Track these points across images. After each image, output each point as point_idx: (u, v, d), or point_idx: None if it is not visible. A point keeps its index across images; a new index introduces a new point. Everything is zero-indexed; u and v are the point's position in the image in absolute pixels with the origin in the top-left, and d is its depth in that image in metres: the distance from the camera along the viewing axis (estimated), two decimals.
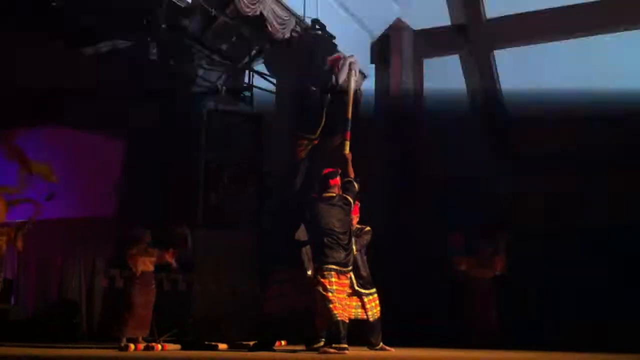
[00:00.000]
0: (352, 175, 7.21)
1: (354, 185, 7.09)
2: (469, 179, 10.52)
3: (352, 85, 7.85)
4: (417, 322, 9.78)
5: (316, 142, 7.82)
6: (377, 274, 7.26)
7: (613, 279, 9.69)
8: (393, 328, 7.61)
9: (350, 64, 8.01)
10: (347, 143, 7.44)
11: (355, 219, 7.17)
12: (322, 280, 6.54)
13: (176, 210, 8.62)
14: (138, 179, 9.37)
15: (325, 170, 7.10)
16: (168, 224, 8.25)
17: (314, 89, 7.98)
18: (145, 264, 7.61)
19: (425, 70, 10.99)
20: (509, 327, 9.42)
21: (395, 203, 10.48)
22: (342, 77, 7.94)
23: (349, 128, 7.51)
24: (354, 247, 6.88)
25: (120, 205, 9.63)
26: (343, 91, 7.81)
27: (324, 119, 7.78)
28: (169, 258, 7.70)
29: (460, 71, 10.82)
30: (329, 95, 7.94)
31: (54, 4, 7.44)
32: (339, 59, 8.21)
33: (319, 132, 7.74)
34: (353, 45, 9.39)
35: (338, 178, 7.05)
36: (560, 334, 9.56)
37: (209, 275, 8.63)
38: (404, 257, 10.10)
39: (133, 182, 9.47)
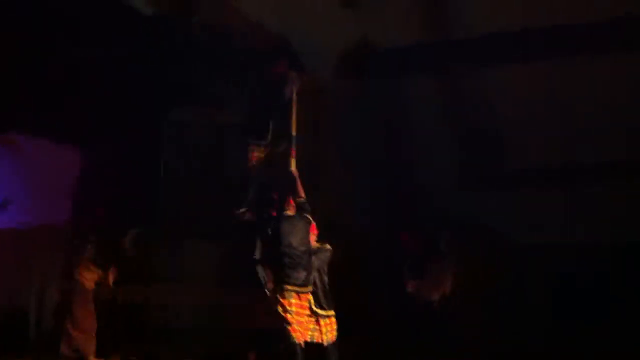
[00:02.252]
0: (302, 193, 7.19)
1: (308, 205, 7.08)
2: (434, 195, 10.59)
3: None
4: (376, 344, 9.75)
5: (265, 150, 7.75)
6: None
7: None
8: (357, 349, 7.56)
9: (292, 79, 7.94)
10: (293, 160, 7.46)
11: (313, 237, 7.12)
12: (282, 300, 6.53)
13: (135, 221, 8.49)
14: (94, 188, 9.24)
15: (276, 195, 7.11)
16: (117, 236, 8.17)
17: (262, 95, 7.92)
18: (87, 280, 7.58)
19: (394, 88, 10.95)
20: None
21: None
22: (287, 92, 7.90)
23: (294, 145, 7.50)
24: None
25: (75, 214, 9.48)
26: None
27: (271, 126, 7.70)
28: (109, 279, 7.65)
29: (431, 89, 10.84)
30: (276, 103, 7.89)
31: None
32: (283, 70, 8.13)
33: (269, 137, 7.66)
34: (318, 61, 9.35)
35: (291, 199, 7.05)
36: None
37: (168, 287, 8.52)
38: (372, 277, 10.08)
39: (89, 191, 9.34)
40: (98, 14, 8.10)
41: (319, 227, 7.24)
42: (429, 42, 10.23)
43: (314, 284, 6.91)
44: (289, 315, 6.50)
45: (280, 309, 6.53)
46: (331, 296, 7.14)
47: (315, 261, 6.97)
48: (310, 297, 6.83)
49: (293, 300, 6.57)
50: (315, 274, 6.95)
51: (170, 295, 8.56)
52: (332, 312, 7.04)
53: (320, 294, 7.01)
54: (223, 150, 9.80)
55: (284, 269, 6.63)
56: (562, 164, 10.98)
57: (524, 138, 10.75)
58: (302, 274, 6.67)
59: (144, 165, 9.46)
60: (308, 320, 6.80)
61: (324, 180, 9.84)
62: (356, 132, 11.05)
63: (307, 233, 6.89)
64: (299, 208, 7.00)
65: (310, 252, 6.87)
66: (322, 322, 6.93)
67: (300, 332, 6.55)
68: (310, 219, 6.99)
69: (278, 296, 6.60)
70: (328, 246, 7.27)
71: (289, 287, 6.59)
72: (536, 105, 10.46)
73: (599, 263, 10.45)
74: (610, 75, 9.74)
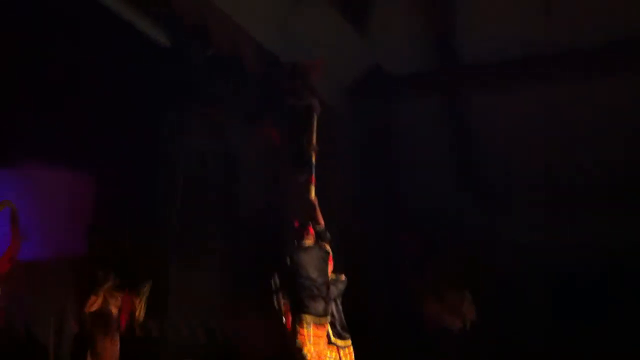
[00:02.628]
0: (321, 221, 7.20)
1: (327, 234, 7.10)
2: (440, 217, 10.64)
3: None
4: None
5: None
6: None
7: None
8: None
9: (311, 107, 7.92)
10: (312, 187, 7.42)
11: (330, 267, 7.13)
12: (300, 329, 6.57)
13: (148, 250, 8.48)
14: (110, 218, 9.19)
15: (297, 223, 7.10)
16: (136, 265, 8.17)
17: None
18: (109, 307, 7.55)
19: (400, 114, 10.98)
20: None
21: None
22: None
23: (314, 172, 7.50)
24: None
25: (92, 245, 9.42)
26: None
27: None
28: (137, 311, 7.65)
29: (436, 115, 10.86)
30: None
31: None
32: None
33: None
34: (328, 88, 9.32)
35: (311, 227, 7.06)
36: None
37: (182, 318, 8.55)
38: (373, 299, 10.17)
39: (105, 222, 9.28)
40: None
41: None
42: (433, 59, 10.31)
43: (332, 315, 6.97)
44: (308, 345, 6.52)
45: (298, 339, 6.55)
46: (346, 326, 7.19)
47: (333, 291, 7.02)
48: (329, 327, 6.90)
49: (312, 330, 6.60)
50: (331, 305, 7.00)
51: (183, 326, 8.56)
52: (349, 342, 7.13)
53: (338, 324, 7.07)
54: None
55: (302, 299, 6.65)
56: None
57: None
58: (321, 305, 6.70)
59: (156, 194, 9.38)
60: (327, 347, 6.85)
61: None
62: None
63: (326, 264, 6.92)
64: (318, 236, 7.03)
65: (329, 284, 6.90)
66: (341, 352, 7.01)
67: None
68: (329, 249, 7.00)
69: (297, 325, 6.62)
70: (343, 277, 7.32)
71: (308, 317, 6.63)
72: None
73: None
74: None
